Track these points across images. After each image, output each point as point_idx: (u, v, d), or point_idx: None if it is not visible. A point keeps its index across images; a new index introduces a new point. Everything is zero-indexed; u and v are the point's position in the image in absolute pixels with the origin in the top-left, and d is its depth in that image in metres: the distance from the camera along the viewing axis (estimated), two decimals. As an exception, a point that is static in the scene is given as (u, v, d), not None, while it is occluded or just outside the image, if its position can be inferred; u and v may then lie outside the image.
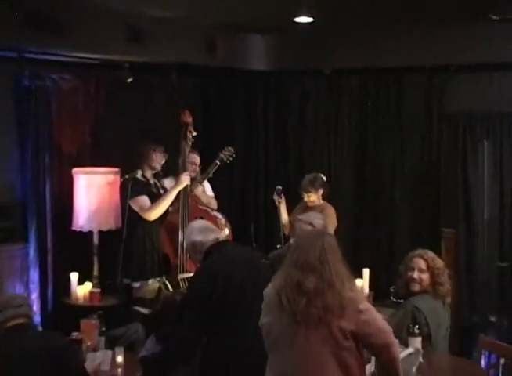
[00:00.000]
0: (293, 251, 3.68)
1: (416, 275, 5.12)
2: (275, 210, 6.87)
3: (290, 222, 6.79)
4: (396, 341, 4.22)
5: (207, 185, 6.98)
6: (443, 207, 7.56)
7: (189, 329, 4.25)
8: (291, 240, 5.53)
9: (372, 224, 7.95)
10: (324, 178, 6.92)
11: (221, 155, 6.81)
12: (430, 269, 5.12)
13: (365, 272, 6.37)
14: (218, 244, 4.59)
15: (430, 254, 5.23)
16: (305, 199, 6.81)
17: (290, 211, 6.90)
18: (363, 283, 6.36)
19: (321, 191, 6.84)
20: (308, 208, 6.76)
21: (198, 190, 6.75)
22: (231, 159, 6.92)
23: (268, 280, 4.01)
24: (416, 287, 5.11)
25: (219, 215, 6.60)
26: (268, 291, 3.64)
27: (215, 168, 6.79)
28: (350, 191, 7.85)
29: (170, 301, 4.97)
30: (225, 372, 4.27)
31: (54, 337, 4.29)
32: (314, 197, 6.81)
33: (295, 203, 7.01)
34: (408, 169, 7.82)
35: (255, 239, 6.88)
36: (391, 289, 5.66)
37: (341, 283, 3.47)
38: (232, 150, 6.88)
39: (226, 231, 6.53)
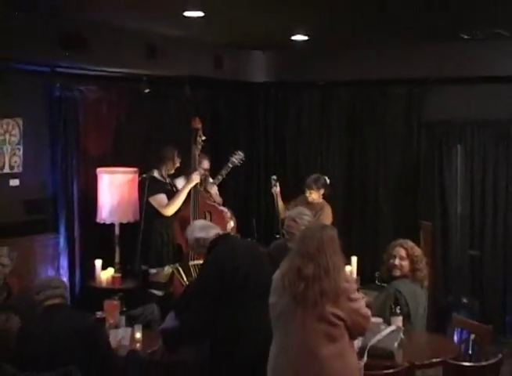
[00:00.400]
0: (297, 241, 3.70)
1: (397, 262, 5.15)
2: (273, 197, 6.83)
3: (284, 208, 6.81)
4: (380, 320, 4.44)
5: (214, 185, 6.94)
6: (421, 203, 7.56)
7: (199, 315, 4.21)
8: (284, 232, 5.45)
9: (359, 218, 7.94)
10: (328, 180, 6.87)
11: (233, 159, 6.79)
12: (410, 256, 5.14)
13: (354, 259, 6.35)
14: (221, 237, 4.54)
15: (410, 243, 5.26)
16: (307, 195, 6.75)
17: (285, 199, 6.89)
18: (352, 269, 6.32)
19: (322, 190, 6.79)
20: (308, 204, 6.72)
21: (213, 190, 6.75)
22: (241, 162, 6.87)
23: (268, 268, 4.23)
24: (397, 273, 5.14)
25: (225, 210, 6.59)
26: (276, 275, 3.65)
27: (228, 170, 6.78)
28: (340, 190, 7.77)
29: None
30: (231, 349, 4.20)
31: (84, 316, 4.33)
32: (315, 195, 6.76)
33: (291, 198, 6.98)
34: (391, 170, 7.81)
35: (257, 231, 6.86)
36: (376, 274, 5.70)
37: (337, 273, 3.49)
38: (241, 154, 6.83)
39: (231, 223, 6.55)
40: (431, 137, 7.51)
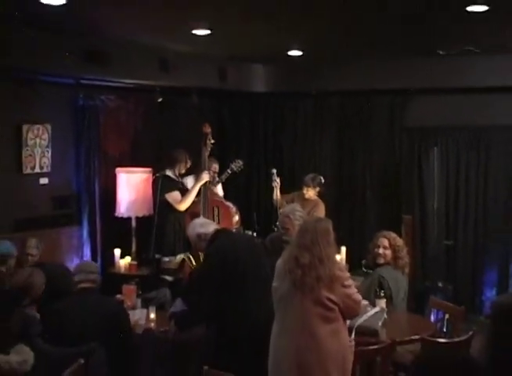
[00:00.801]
0: (297, 234, 3.72)
1: (381, 251, 5.17)
2: (272, 191, 6.80)
3: (281, 198, 6.77)
4: (366, 302, 4.40)
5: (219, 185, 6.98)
6: (402, 199, 7.55)
7: (204, 300, 4.16)
8: (278, 226, 5.39)
9: (348, 213, 7.91)
10: (323, 180, 6.81)
11: (232, 166, 6.77)
12: (392, 246, 5.16)
13: (343, 249, 6.34)
14: (220, 232, 4.49)
15: (393, 234, 5.28)
16: (304, 191, 6.71)
17: (282, 190, 6.85)
18: (341, 257, 6.30)
19: (317, 189, 6.76)
20: (304, 200, 6.70)
21: (217, 189, 6.79)
22: (240, 169, 6.85)
23: (264, 259, 4.31)
24: (381, 260, 5.17)
25: (231, 205, 6.59)
26: (278, 263, 3.66)
27: (227, 175, 6.80)
28: (331, 187, 7.68)
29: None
30: (234, 331, 4.17)
31: (112, 301, 4.41)
32: (311, 192, 6.72)
33: (287, 190, 6.96)
34: (376, 170, 7.79)
35: (257, 223, 6.84)
36: (362, 262, 5.65)
37: (331, 262, 3.50)
38: (240, 162, 6.80)
39: (236, 217, 6.55)
40: (411, 141, 7.51)
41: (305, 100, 8.07)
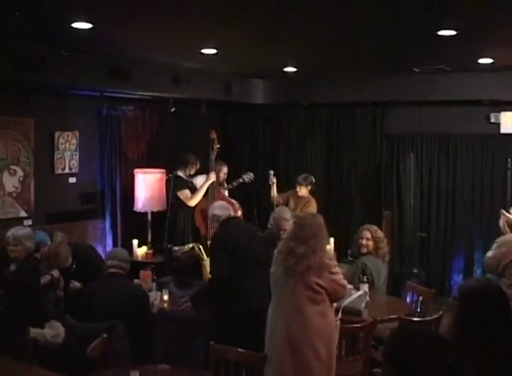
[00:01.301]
0: (294, 226, 3.69)
1: (364, 242, 5.20)
2: (270, 188, 6.73)
3: (278, 196, 6.72)
4: (351, 286, 4.36)
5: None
6: (383, 196, 7.51)
7: (220, 266, 4.22)
8: (270, 222, 5.35)
9: (336, 208, 7.83)
10: (313, 179, 6.74)
11: (244, 176, 6.69)
12: (374, 238, 5.18)
13: (331, 240, 6.23)
14: (230, 219, 4.57)
15: (374, 227, 5.32)
16: (297, 190, 6.62)
17: (279, 190, 6.81)
18: (330, 247, 6.18)
19: (309, 187, 6.68)
20: (298, 197, 6.65)
21: (225, 192, 6.70)
22: (250, 181, 6.75)
23: (261, 246, 4.43)
24: (364, 250, 5.19)
25: (235, 202, 6.53)
26: (275, 252, 3.66)
27: (238, 184, 6.69)
28: (321, 186, 7.62)
29: (194, 257, 5.12)
30: (233, 304, 4.24)
31: (136, 287, 4.47)
32: (304, 190, 6.64)
33: (283, 189, 6.91)
34: (360, 172, 7.73)
35: (257, 218, 6.85)
36: (348, 251, 5.66)
37: (322, 252, 3.50)
38: (252, 175, 6.70)
39: (239, 213, 6.50)
40: (390, 147, 7.49)
41: (299, 111, 8.03)
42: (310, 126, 8.01)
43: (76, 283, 4.55)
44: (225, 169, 6.68)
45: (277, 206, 6.35)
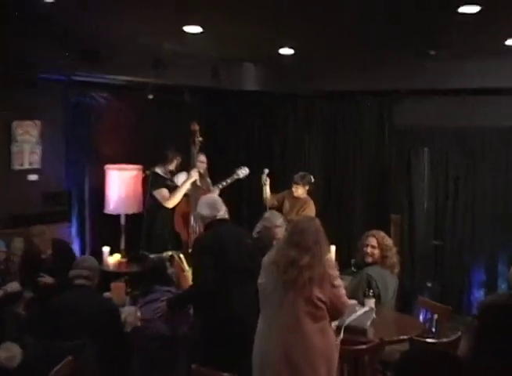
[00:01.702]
0: (293, 233, 3.64)
1: (369, 250, 5.18)
2: (263, 188, 6.76)
3: (272, 197, 6.73)
4: (354, 301, 4.56)
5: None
6: (392, 198, 7.53)
7: (204, 271, 4.22)
8: (257, 229, 5.30)
9: (337, 212, 7.87)
10: (312, 179, 6.76)
11: (238, 172, 6.69)
12: (380, 245, 5.16)
13: (333, 248, 6.18)
14: (218, 221, 4.52)
15: (381, 234, 5.28)
16: (293, 189, 6.65)
17: (273, 189, 6.82)
18: (330, 256, 6.19)
19: (307, 187, 6.71)
20: (294, 198, 6.68)
21: (215, 191, 6.57)
22: (246, 177, 6.76)
23: (252, 254, 4.35)
24: (369, 259, 5.17)
25: (220, 202, 6.43)
26: (266, 260, 3.65)
27: (232, 180, 6.68)
28: (320, 186, 7.65)
29: (157, 263, 5.04)
30: (218, 322, 4.24)
31: (105, 300, 4.45)
32: (301, 190, 6.67)
33: (277, 189, 6.94)
34: (365, 170, 7.75)
35: (248, 222, 6.84)
36: (352, 261, 5.61)
37: (326, 259, 3.53)
38: (247, 170, 6.71)
39: (226, 215, 6.46)
40: (401, 142, 7.49)
41: (296, 100, 8.03)
42: (309, 118, 8.04)
43: (48, 278, 4.58)
44: (201, 158, 6.64)
45: (271, 208, 6.39)
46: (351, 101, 7.72)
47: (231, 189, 7.10)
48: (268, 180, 6.71)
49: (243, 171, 6.72)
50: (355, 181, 7.80)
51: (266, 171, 6.72)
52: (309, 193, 6.78)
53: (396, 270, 5.20)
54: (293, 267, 3.47)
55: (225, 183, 6.66)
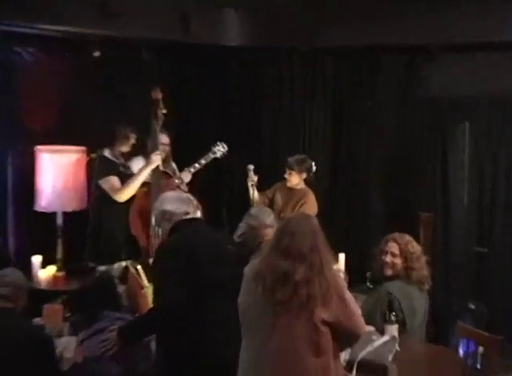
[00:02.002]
0: (280, 236, 3.68)
1: (388, 259, 5.18)
2: (248, 190, 6.88)
3: (261, 197, 6.86)
4: (371, 328, 4.57)
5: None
6: (421, 190, 7.57)
7: (171, 286, 4.20)
8: (239, 232, 5.34)
9: (347, 209, 7.96)
10: (314, 166, 6.87)
11: (214, 149, 6.84)
12: (404, 253, 5.15)
13: (342, 257, 6.22)
14: (189, 221, 4.59)
15: (406, 238, 5.25)
16: (286, 175, 6.75)
17: (261, 185, 6.94)
18: (338, 268, 6.07)
19: (304, 175, 6.79)
20: (288, 190, 6.78)
21: (187, 178, 6.72)
22: (224, 155, 6.92)
23: (233, 262, 4.48)
24: (389, 272, 5.17)
25: (191, 197, 6.41)
26: (248, 273, 3.72)
27: (208, 160, 6.81)
28: (324, 174, 7.78)
29: (107, 279, 5.15)
30: (186, 355, 4.26)
31: (34, 327, 4.50)
32: (295, 178, 6.76)
33: (268, 184, 7.02)
34: (384, 154, 7.81)
35: (228, 222, 6.99)
36: (367, 275, 5.63)
37: (329, 270, 3.55)
38: (225, 146, 6.88)
39: (198, 213, 6.44)
40: (433, 115, 7.53)
41: (292, 58, 8.09)
42: (310, 83, 8.07)
43: None
44: (163, 138, 6.70)
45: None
46: (367, 60, 7.78)
47: (205, 181, 7.18)
48: (256, 179, 6.82)
49: (221, 148, 6.86)
50: (371, 168, 7.88)
51: (251, 167, 6.85)
52: (308, 183, 6.88)
53: (427, 287, 5.17)
54: (284, 283, 3.50)
55: (198, 165, 6.75)
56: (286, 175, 6.76)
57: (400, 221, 7.08)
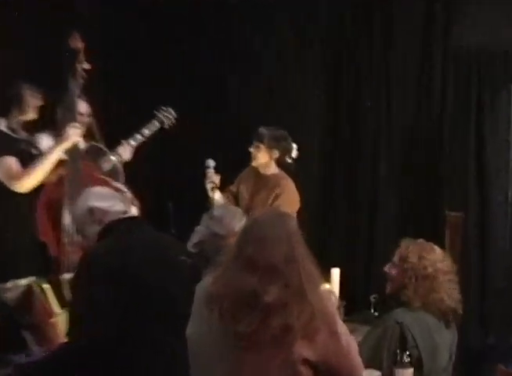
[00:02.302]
0: (243, 243, 3.63)
1: (387, 269, 5.06)
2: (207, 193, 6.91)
3: (226, 195, 6.97)
4: (377, 373, 4.55)
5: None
6: (447, 182, 7.57)
7: (95, 317, 4.25)
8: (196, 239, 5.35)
9: (346, 208, 7.97)
10: (295, 146, 6.89)
11: (160, 116, 6.99)
12: (402, 262, 4.99)
13: (335, 273, 6.05)
14: (125, 222, 4.63)
15: (421, 244, 5.05)
16: (251, 149, 6.76)
17: (224, 184, 6.98)
18: (331, 288, 6.00)
19: (276, 153, 6.75)
20: (258, 177, 6.83)
21: (126, 153, 6.82)
22: (172, 123, 7.06)
23: (186, 279, 4.51)
24: (388, 289, 5.07)
25: (124, 188, 6.48)
26: (200, 292, 3.78)
27: (153, 131, 6.93)
28: (316, 160, 7.94)
29: None
30: None
31: None
32: (263, 156, 6.76)
33: (231, 176, 7.11)
34: (398, 131, 7.84)
35: (175, 223, 6.85)
36: (371, 298, 5.85)
37: (313, 290, 3.51)
38: (172, 113, 7.03)
39: (133, 210, 6.29)
40: (464, 73, 7.51)
41: None
42: (297, 30, 8.13)
43: None
44: (81, 106, 6.61)
45: None
46: (375, 4, 7.84)
47: (147, 174, 7.65)
48: (217, 180, 6.83)
49: (168, 115, 6.98)
50: (380, 151, 7.91)
51: (211, 163, 6.87)
52: (280, 164, 6.84)
53: (451, 316, 4.95)
54: (250, 309, 3.44)
55: (140, 137, 6.83)
56: (251, 149, 6.76)
57: (418, 223, 7.25)
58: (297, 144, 6.96)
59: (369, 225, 7.81)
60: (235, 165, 7.14)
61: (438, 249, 5.09)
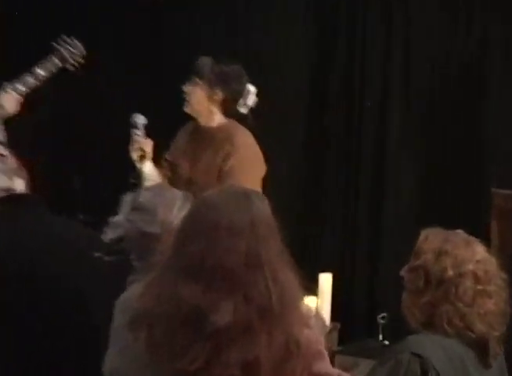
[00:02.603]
0: (183, 236, 3.53)
1: (404, 273, 4.65)
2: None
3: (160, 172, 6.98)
4: None
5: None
6: (492, 148, 7.72)
7: None
8: (113, 234, 5.20)
9: (343, 185, 8.22)
10: (252, 89, 6.77)
11: (62, 51, 7.06)
12: (419, 260, 4.54)
13: (325, 279, 6.06)
14: (8, 202, 4.69)
15: (447, 235, 4.46)
16: (185, 89, 6.65)
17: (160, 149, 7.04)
18: (320, 303, 6.03)
19: (219, 94, 6.59)
20: (196, 133, 6.77)
21: (8, 103, 6.89)
22: (78, 62, 7.18)
23: (102, 287, 4.55)
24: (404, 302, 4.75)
25: (4, 151, 6.16)
26: (121, 309, 3.80)
27: (53, 70, 7.01)
28: (300, 123, 8.19)
29: None
30: None
31: None
32: (199, 99, 6.62)
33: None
34: (416, 74, 8.11)
35: (84, 206, 6.78)
36: (379, 318, 6.09)
37: (288, 307, 3.41)
38: (79, 47, 7.12)
39: (19, 185, 5.90)
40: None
41: None
42: None
43: None
44: None
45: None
46: None
47: (47, 146, 7.82)
48: (149, 146, 6.83)
49: (72, 49, 7.04)
50: (391, 105, 8.18)
51: (140, 121, 6.92)
52: (226, 111, 6.70)
53: (496, 349, 4.44)
54: (195, 335, 3.35)
55: (32, 79, 6.92)
56: (184, 87, 6.61)
57: (447, 208, 7.50)
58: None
59: (375, 211, 7.97)
60: (175, 127, 7.08)
61: (478, 245, 4.46)
